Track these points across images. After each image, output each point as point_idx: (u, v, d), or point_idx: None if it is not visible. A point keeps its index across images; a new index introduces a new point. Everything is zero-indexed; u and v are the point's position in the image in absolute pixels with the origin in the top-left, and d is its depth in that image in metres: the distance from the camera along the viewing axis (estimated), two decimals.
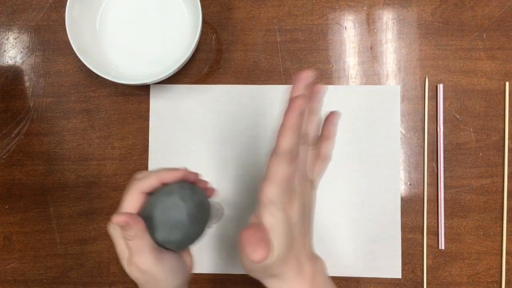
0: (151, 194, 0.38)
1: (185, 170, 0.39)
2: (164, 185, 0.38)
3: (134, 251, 0.36)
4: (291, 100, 0.32)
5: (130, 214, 0.35)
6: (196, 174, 0.40)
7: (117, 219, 0.34)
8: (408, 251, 0.54)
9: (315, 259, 0.37)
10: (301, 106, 0.32)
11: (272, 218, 0.33)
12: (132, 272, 0.37)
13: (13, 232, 0.57)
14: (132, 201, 0.37)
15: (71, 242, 0.56)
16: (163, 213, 0.36)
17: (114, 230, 0.38)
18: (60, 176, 0.57)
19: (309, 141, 0.38)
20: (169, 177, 0.38)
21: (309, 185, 0.38)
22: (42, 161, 0.57)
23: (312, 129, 0.38)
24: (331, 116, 0.40)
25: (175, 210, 0.36)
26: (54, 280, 0.56)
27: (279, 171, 0.32)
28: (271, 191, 0.32)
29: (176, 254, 0.39)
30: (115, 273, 0.56)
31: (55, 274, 0.56)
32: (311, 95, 0.37)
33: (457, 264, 0.54)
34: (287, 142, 0.32)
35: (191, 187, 0.38)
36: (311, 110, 0.37)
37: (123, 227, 0.35)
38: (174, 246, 0.38)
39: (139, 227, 0.35)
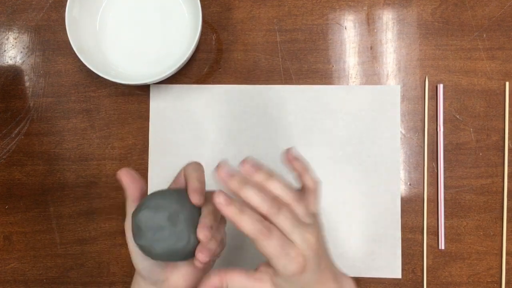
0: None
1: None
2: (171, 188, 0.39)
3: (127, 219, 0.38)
4: (217, 197, 0.33)
5: (133, 175, 0.39)
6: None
7: (119, 174, 0.38)
8: (408, 251, 0.54)
9: (339, 281, 0.37)
10: (225, 199, 0.33)
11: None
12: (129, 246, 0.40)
13: (13, 232, 0.57)
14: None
15: (71, 242, 0.56)
16: (147, 226, 0.36)
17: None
18: (60, 176, 0.57)
19: (280, 205, 0.35)
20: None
21: (312, 219, 0.36)
22: (42, 161, 0.57)
23: (280, 191, 0.36)
24: (288, 154, 0.39)
25: (159, 231, 0.36)
26: (54, 280, 0.56)
27: (269, 249, 0.33)
28: (280, 266, 0.33)
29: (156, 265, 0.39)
30: (115, 273, 0.56)
31: (55, 274, 0.56)
32: (247, 175, 0.36)
33: (457, 264, 0.54)
34: (245, 227, 0.33)
35: (184, 205, 0.37)
36: (260, 180, 0.36)
37: (126, 186, 0.38)
38: (143, 249, 0.37)
39: (136, 190, 0.38)
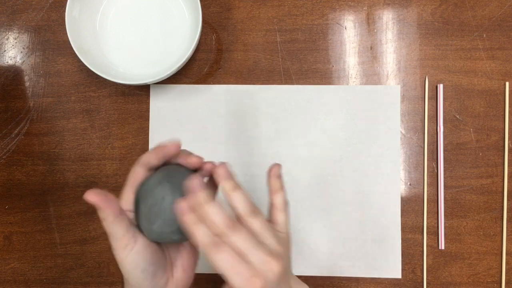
0: (156, 170, 0.38)
1: (175, 143, 0.38)
2: (165, 164, 0.38)
3: (108, 234, 0.35)
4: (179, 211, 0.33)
5: (105, 194, 0.34)
6: (199, 158, 0.38)
7: (87, 195, 0.34)
8: (408, 251, 0.54)
9: None
10: (184, 212, 0.33)
11: None
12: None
13: (13, 232, 0.57)
14: (133, 175, 0.37)
15: (71, 242, 0.56)
16: (148, 202, 0.35)
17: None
18: (60, 176, 0.57)
19: (245, 214, 0.35)
20: (162, 152, 0.37)
21: (278, 240, 0.36)
22: (42, 161, 0.57)
23: (242, 206, 0.36)
24: (273, 169, 0.40)
25: (161, 203, 0.35)
26: (54, 280, 0.56)
27: (220, 263, 0.32)
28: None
29: (160, 251, 0.38)
30: (115, 273, 0.56)
31: (55, 274, 0.56)
32: (215, 178, 0.36)
33: (457, 264, 0.54)
34: (199, 234, 0.32)
35: (180, 171, 0.37)
36: (227, 190, 0.36)
37: (98, 207, 0.34)
38: (145, 230, 0.36)
39: (110, 211, 0.34)
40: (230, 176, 0.36)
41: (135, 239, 0.36)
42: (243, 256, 0.32)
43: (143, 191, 0.36)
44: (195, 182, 0.34)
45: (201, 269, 0.55)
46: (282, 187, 0.39)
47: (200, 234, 0.33)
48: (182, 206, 0.33)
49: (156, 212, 0.35)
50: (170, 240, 0.36)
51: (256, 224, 0.34)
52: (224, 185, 0.35)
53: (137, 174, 0.37)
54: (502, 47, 0.55)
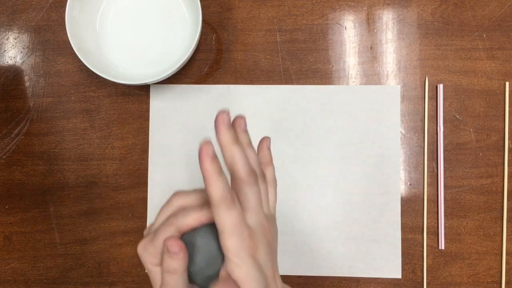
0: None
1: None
2: None
3: (169, 286, 0.33)
4: (200, 150, 0.31)
5: (181, 243, 0.32)
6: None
7: (171, 244, 0.31)
8: (408, 251, 0.54)
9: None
10: (208, 152, 0.31)
11: (240, 270, 0.31)
12: None
13: (13, 232, 0.57)
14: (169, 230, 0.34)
15: (71, 242, 0.56)
16: (198, 251, 0.34)
17: (146, 256, 0.34)
18: (60, 176, 0.57)
19: (257, 178, 0.35)
20: (209, 219, 0.34)
21: (269, 220, 0.36)
22: (42, 161, 0.57)
23: (253, 163, 0.35)
24: (264, 142, 0.39)
25: (207, 250, 0.33)
26: (54, 280, 0.56)
27: (227, 219, 0.31)
28: (230, 243, 0.31)
29: None
30: (115, 273, 0.56)
31: (55, 274, 0.56)
32: (236, 130, 0.36)
33: (457, 264, 0.54)
34: (215, 190, 0.31)
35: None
36: (243, 145, 0.36)
37: (171, 254, 0.31)
38: (203, 283, 0.35)
39: (182, 263, 0.32)
40: (246, 131, 0.35)
41: (191, 286, 0.35)
42: (247, 211, 0.32)
43: (195, 243, 0.34)
44: (224, 119, 0.32)
45: None
46: (271, 161, 0.39)
47: (218, 187, 0.31)
48: (209, 151, 0.31)
49: (210, 265, 0.34)
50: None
51: (262, 186, 0.34)
52: (243, 139, 0.35)
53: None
54: (502, 47, 0.55)
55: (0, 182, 0.57)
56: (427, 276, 0.54)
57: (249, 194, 0.33)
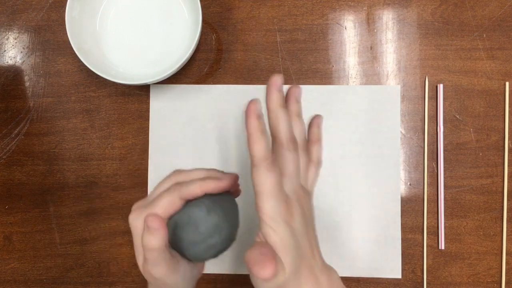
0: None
1: (231, 178, 0.35)
2: None
3: (150, 261, 0.34)
4: (247, 106, 0.31)
5: (161, 220, 0.32)
6: (237, 179, 0.37)
7: (151, 219, 0.31)
8: (408, 251, 0.54)
9: (328, 269, 0.35)
10: (255, 109, 0.31)
11: (276, 234, 0.31)
12: (144, 274, 0.36)
13: (13, 232, 0.57)
14: (169, 205, 0.35)
15: (71, 242, 0.56)
16: (190, 226, 0.34)
17: (136, 226, 0.35)
18: (60, 176, 0.57)
19: (297, 147, 0.35)
20: (214, 189, 0.35)
21: (305, 192, 0.36)
22: (42, 161, 0.57)
23: (298, 133, 0.36)
24: (315, 119, 0.39)
25: (202, 224, 0.34)
26: (54, 280, 0.56)
27: (266, 181, 0.30)
28: (266, 206, 0.30)
29: (192, 263, 0.38)
30: (115, 273, 0.56)
31: (55, 274, 0.57)
32: (287, 98, 0.36)
33: (457, 264, 0.54)
34: (257, 148, 0.31)
35: (223, 197, 0.36)
36: (292, 114, 0.36)
37: (150, 230, 0.32)
38: (195, 259, 0.36)
39: (161, 239, 0.33)
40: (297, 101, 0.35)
41: (177, 260, 0.36)
42: (284, 176, 0.32)
43: (186, 219, 0.35)
44: (278, 83, 0.32)
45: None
46: (320, 139, 0.38)
47: (260, 145, 0.31)
48: (256, 107, 0.31)
49: (207, 239, 0.35)
50: (206, 260, 0.36)
51: (302, 159, 0.34)
52: (292, 108, 0.35)
53: (174, 205, 0.35)
54: (502, 47, 0.55)
55: (0, 182, 0.57)
56: (427, 276, 0.54)
57: (287, 159, 0.32)
